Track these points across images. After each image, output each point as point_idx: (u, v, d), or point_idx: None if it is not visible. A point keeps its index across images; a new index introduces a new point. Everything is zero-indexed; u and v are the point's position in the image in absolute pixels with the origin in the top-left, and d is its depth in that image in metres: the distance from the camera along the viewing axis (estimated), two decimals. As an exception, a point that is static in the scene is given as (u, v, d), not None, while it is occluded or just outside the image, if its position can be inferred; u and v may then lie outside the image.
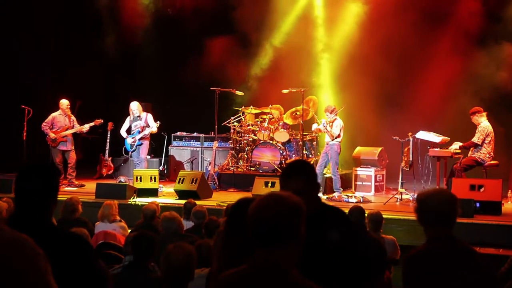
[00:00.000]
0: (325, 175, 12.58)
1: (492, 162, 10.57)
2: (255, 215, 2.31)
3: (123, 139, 12.66)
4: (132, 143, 12.49)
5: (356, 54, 13.68)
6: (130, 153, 12.76)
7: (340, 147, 11.69)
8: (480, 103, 11.28)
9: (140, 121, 12.52)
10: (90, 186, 12.11)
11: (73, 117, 12.86)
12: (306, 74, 14.28)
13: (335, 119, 11.55)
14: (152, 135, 12.78)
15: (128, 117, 12.68)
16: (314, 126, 12.15)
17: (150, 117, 12.60)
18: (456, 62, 12.80)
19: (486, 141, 10.49)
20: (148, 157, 13.28)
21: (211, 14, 14.88)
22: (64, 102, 12.64)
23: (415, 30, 12.93)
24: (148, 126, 12.48)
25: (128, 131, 12.61)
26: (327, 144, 11.59)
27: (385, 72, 13.19)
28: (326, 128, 11.50)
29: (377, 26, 13.28)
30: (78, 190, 12.14)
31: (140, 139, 12.45)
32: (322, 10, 14.63)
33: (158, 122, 12.52)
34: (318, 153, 13.12)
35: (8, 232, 2.01)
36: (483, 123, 10.58)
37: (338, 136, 11.51)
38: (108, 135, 13.65)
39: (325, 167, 11.75)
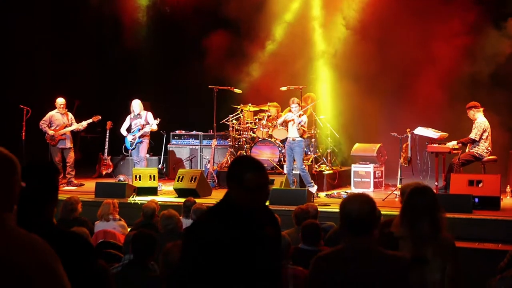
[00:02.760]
0: (323, 172, 12.61)
1: (490, 157, 10.60)
2: (347, 211, 3.19)
3: (123, 137, 12.67)
4: (132, 140, 12.51)
5: (353, 50, 13.65)
6: (130, 151, 12.79)
7: (306, 144, 11.57)
8: (479, 99, 11.24)
9: (140, 119, 12.55)
10: (90, 185, 12.13)
11: (71, 115, 12.87)
12: (304, 71, 14.27)
13: (301, 114, 11.34)
14: (151, 133, 12.79)
15: (129, 115, 12.71)
16: (289, 116, 11.51)
17: (150, 115, 12.63)
18: (454, 57, 12.79)
19: (484, 137, 10.52)
20: (148, 155, 13.28)
21: (209, 12, 14.87)
22: (60, 101, 12.65)
23: (414, 24, 12.91)
24: (148, 124, 12.51)
25: (129, 129, 12.63)
26: (293, 140, 11.27)
27: (383, 69, 13.19)
28: (298, 125, 11.22)
29: (374, 20, 13.26)
30: (77, 189, 12.16)
31: (140, 137, 12.48)
32: (321, 5, 14.56)
33: (158, 119, 12.55)
34: (318, 150, 13.15)
35: (25, 234, 2.03)
36: (480, 119, 10.60)
37: (305, 132, 11.41)
38: (107, 134, 13.68)
39: (293, 163, 11.45)
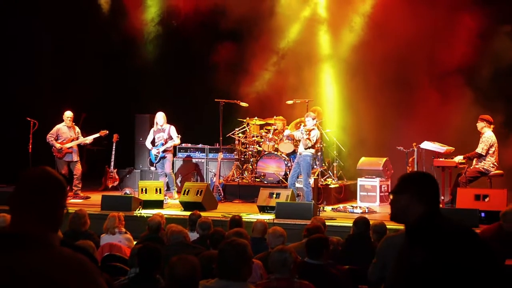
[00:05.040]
0: (329, 186, 12.58)
1: (497, 171, 10.55)
2: None
3: (146, 150, 13.01)
4: (156, 154, 12.67)
5: (360, 63, 13.64)
6: (154, 165, 12.93)
7: (313, 158, 11.55)
8: (486, 113, 11.15)
9: (163, 133, 12.68)
10: (96, 198, 12.13)
11: (77, 129, 12.91)
12: (310, 84, 14.26)
13: (313, 128, 11.31)
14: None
15: (152, 128, 12.88)
16: (287, 132, 11.86)
17: (173, 129, 12.72)
18: (462, 71, 12.77)
19: (490, 151, 10.47)
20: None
21: (215, 24, 14.86)
22: (68, 114, 12.70)
23: (422, 35, 12.85)
24: (171, 138, 12.63)
25: (153, 142, 12.80)
26: (300, 154, 11.34)
27: (390, 82, 13.17)
28: (303, 136, 11.28)
29: (381, 34, 13.24)
30: (83, 202, 12.16)
31: (164, 151, 12.62)
32: (326, 18, 14.52)
33: (179, 135, 12.67)
34: (324, 164, 13.11)
35: (69, 253, 2.08)
36: (487, 133, 10.55)
37: (313, 146, 11.30)
38: (114, 146, 13.69)
39: (297, 177, 11.44)
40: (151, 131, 12.88)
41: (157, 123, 12.73)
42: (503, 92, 12.48)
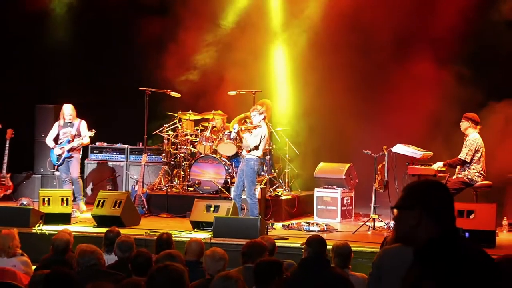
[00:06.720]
0: (280, 197, 12.60)
1: (484, 182, 10.69)
2: None
3: (50, 149, 12.80)
4: (60, 154, 12.61)
5: (320, 46, 13.73)
6: (56, 167, 12.88)
7: (258, 162, 11.48)
8: (469, 111, 11.30)
9: (71, 128, 12.70)
10: (-17, 210, 11.85)
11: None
12: (259, 72, 14.29)
13: (258, 125, 11.24)
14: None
15: (57, 122, 12.89)
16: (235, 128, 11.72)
17: (83, 124, 12.80)
18: (442, 59, 12.96)
19: (476, 158, 10.59)
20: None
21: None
22: None
23: (394, 24, 13.02)
24: (79, 135, 12.64)
25: (56, 140, 12.72)
26: (243, 158, 11.36)
27: (356, 72, 13.29)
28: (238, 135, 11.36)
29: (348, 17, 13.35)
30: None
31: (69, 150, 12.60)
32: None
33: (93, 130, 12.67)
34: (273, 170, 13.14)
35: None
36: (472, 135, 10.66)
37: (256, 148, 11.17)
38: (7, 145, 13.57)
39: (243, 188, 11.30)
40: (55, 125, 12.89)
41: (63, 118, 12.71)
42: (486, 80, 12.64)
